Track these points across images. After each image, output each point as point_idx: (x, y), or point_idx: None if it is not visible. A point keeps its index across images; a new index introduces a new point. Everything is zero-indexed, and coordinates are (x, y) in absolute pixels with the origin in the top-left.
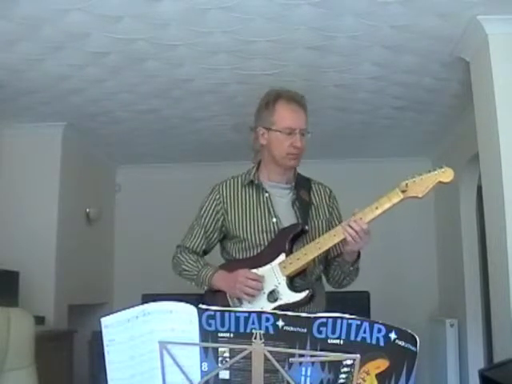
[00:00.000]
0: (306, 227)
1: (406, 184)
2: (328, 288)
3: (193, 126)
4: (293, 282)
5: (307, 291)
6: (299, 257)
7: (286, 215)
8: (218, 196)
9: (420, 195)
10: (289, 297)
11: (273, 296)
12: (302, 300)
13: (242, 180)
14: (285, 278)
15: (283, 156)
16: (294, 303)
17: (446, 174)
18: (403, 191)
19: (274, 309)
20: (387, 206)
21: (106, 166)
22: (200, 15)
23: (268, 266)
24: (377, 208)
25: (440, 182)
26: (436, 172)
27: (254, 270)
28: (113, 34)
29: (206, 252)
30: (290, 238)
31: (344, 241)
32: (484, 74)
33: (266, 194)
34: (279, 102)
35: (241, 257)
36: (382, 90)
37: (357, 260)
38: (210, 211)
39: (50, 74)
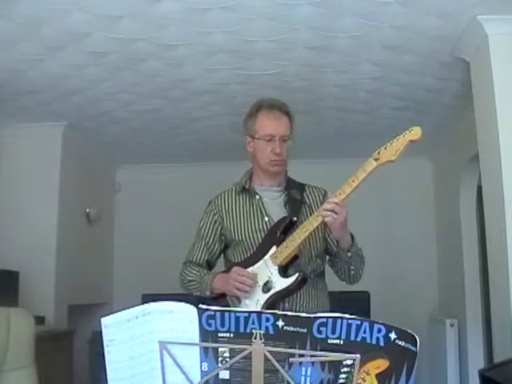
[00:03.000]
0: (295, 218)
1: (378, 152)
2: (328, 288)
3: (193, 125)
4: (286, 271)
5: (297, 274)
6: (287, 244)
7: (277, 214)
8: (213, 207)
9: (392, 158)
10: (281, 283)
11: (267, 286)
12: (293, 283)
13: (236, 189)
14: (276, 268)
15: (266, 162)
16: (286, 288)
17: (414, 133)
18: (376, 159)
19: (269, 297)
20: (362, 176)
21: (106, 165)
22: (200, 15)
23: (261, 261)
24: (353, 181)
25: (410, 140)
26: (404, 133)
27: (250, 268)
28: (113, 34)
29: (210, 264)
30: (281, 231)
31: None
32: (484, 74)
33: (257, 197)
34: (260, 111)
35: (239, 260)
36: (382, 89)
37: (352, 245)
38: (208, 223)
39: (50, 74)
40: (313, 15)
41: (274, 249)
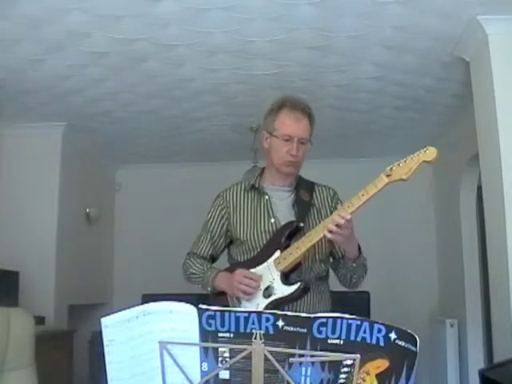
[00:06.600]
0: (301, 224)
1: (391, 168)
2: (329, 288)
3: (193, 125)
4: (288, 278)
5: (299, 283)
6: (292, 251)
7: (285, 216)
8: (222, 201)
9: (404, 177)
10: (282, 290)
11: (268, 292)
12: (294, 292)
13: (245, 185)
14: (279, 274)
15: (280, 162)
16: (287, 296)
17: (429, 153)
18: (388, 175)
19: (269, 303)
20: (373, 191)
21: (106, 165)
22: (200, 15)
23: (264, 264)
24: (363, 195)
25: (424, 161)
26: (418, 153)
27: (252, 270)
28: (113, 34)
29: (213, 258)
30: (286, 235)
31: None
32: (484, 74)
33: (266, 197)
34: (283, 109)
35: (242, 259)
36: (382, 89)
37: (359, 256)
38: (215, 217)
39: (50, 74)
40: (313, 15)
41: (277, 253)
